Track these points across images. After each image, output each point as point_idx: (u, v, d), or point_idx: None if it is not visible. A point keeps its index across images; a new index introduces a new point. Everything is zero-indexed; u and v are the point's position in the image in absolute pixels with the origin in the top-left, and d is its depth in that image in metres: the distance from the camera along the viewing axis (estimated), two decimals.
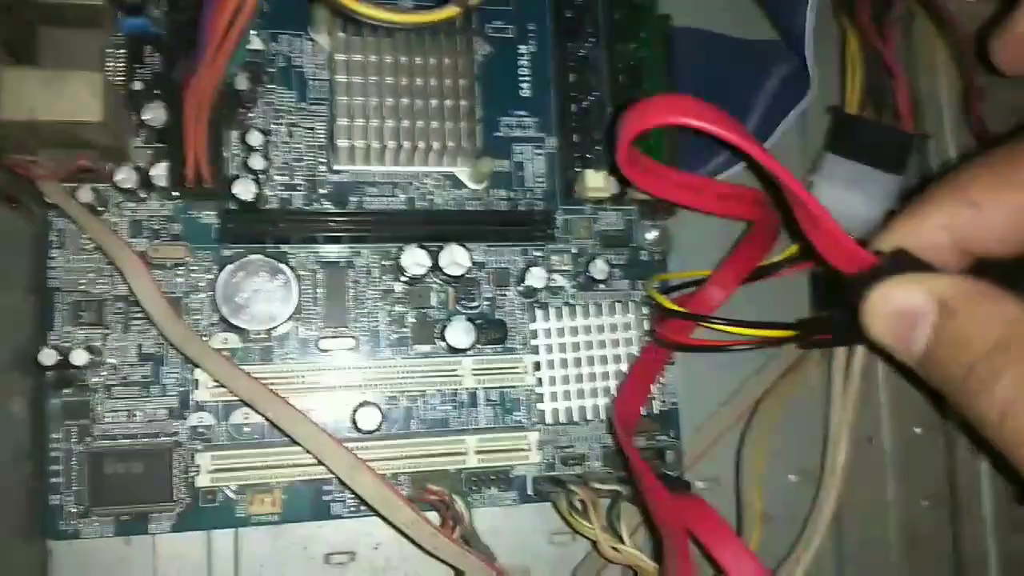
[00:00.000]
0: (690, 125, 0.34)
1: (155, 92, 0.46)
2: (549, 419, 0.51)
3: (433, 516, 0.47)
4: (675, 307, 0.48)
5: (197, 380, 0.46)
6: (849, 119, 0.52)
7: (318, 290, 0.49)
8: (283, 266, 0.47)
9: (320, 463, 0.43)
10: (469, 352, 0.50)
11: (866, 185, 0.52)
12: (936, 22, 0.54)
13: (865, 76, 0.52)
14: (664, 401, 0.53)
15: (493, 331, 0.50)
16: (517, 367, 0.51)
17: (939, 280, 0.28)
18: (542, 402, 0.51)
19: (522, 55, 0.54)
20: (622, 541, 0.45)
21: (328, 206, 0.49)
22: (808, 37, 0.50)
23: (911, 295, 0.28)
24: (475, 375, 0.50)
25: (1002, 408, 0.25)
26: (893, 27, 0.53)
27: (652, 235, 0.54)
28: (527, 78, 0.54)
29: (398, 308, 0.50)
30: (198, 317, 0.47)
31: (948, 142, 0.56)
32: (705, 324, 0.47)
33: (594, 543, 0.46)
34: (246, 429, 0.47)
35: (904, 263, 0.30)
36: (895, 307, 0.28)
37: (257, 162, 0.47)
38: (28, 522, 0.45)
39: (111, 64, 0.47)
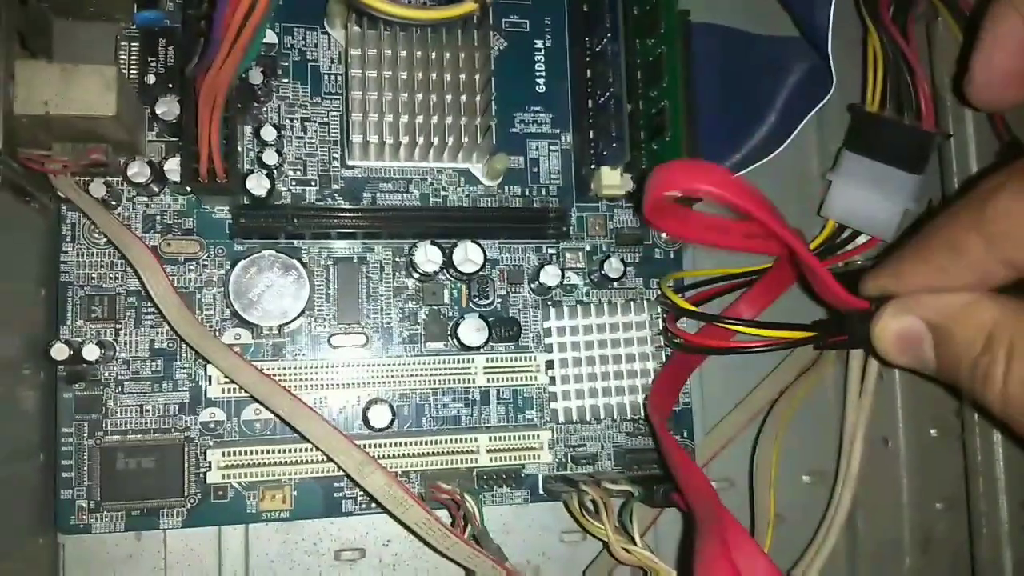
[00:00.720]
0: (708, 193, 0.35)
1: (168, 85, 0.46)
2: (561, 418, 0.51)
3: (444, 514, 0.47)
4: (689, 306, 0.48)
5: (211, 376, 0.46)
6: (869, 117, 0.52)
7: (330, 286, 0.49)
8: (296, 262, 0.47)
9: (331, 460, 0.42)
10: (481, 350, 0.49)
11: (885, 184, 0.52)
12: (958, 21, 0.54)
13: (886, 74, 0.51)
14: (678, 401, 0.53)
15: (506, 329, 0.50)
16: (530, 365, 0.50)
17: (924, 304, 0.32)
18: (554, 401, 0.51)
19: (538, 50, 0.53)
20: (634, 542, 0.45)
21: (341, 202, 0.49)
22: (829, 34, 0.49)
23: (905, 322, 0.33)
24: (487, 373, 0.50)
25: (1003, 393, 0.29)
26: (915, 25, 0.52)
27: (667, 233, 0.53)
28: (543, 73, 0.53)
29: (410, 305, 0.50)
30: (210, 312, 0.47)
31: (969, 142, 0.55)
32: (722, 325, 0.46)
33: (605, 543, 0.46)
34: (257, 425, 0.47)
35: None
36: (897, 335, 0.33)
37: (270, 157, 0.46)
38: (39, 516, 0.45)
39: (124, 57, 0.46)
